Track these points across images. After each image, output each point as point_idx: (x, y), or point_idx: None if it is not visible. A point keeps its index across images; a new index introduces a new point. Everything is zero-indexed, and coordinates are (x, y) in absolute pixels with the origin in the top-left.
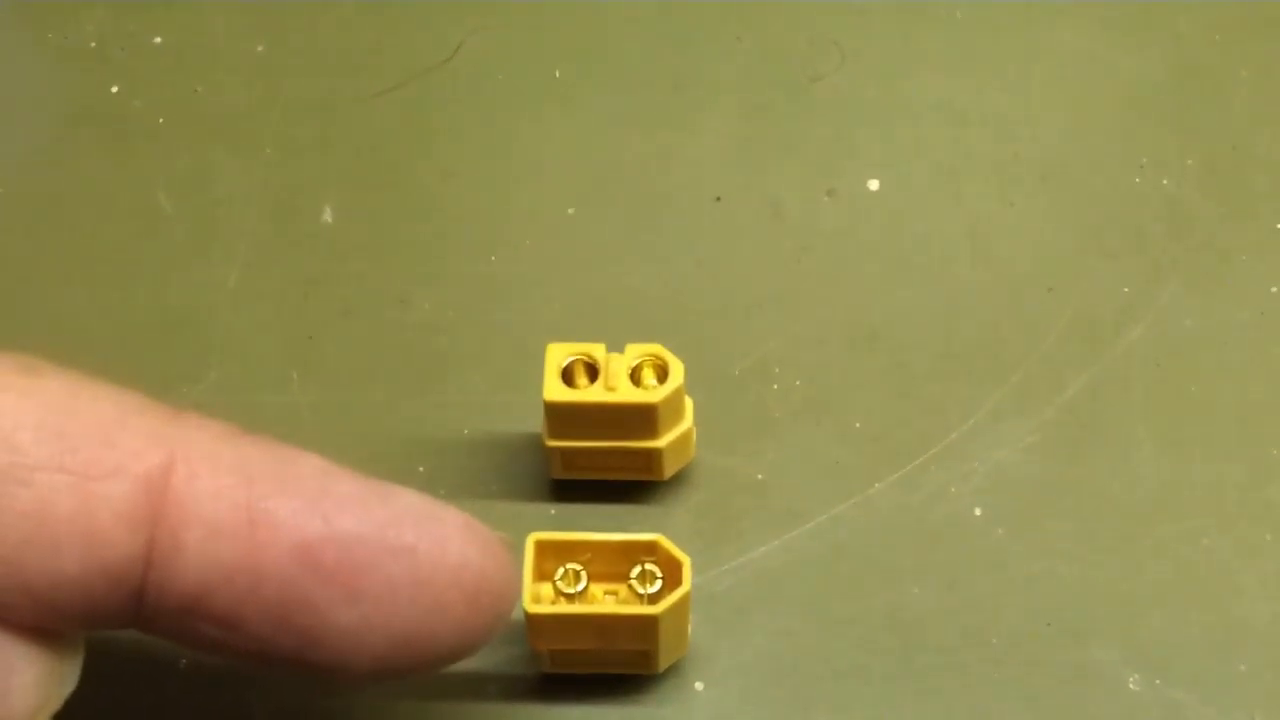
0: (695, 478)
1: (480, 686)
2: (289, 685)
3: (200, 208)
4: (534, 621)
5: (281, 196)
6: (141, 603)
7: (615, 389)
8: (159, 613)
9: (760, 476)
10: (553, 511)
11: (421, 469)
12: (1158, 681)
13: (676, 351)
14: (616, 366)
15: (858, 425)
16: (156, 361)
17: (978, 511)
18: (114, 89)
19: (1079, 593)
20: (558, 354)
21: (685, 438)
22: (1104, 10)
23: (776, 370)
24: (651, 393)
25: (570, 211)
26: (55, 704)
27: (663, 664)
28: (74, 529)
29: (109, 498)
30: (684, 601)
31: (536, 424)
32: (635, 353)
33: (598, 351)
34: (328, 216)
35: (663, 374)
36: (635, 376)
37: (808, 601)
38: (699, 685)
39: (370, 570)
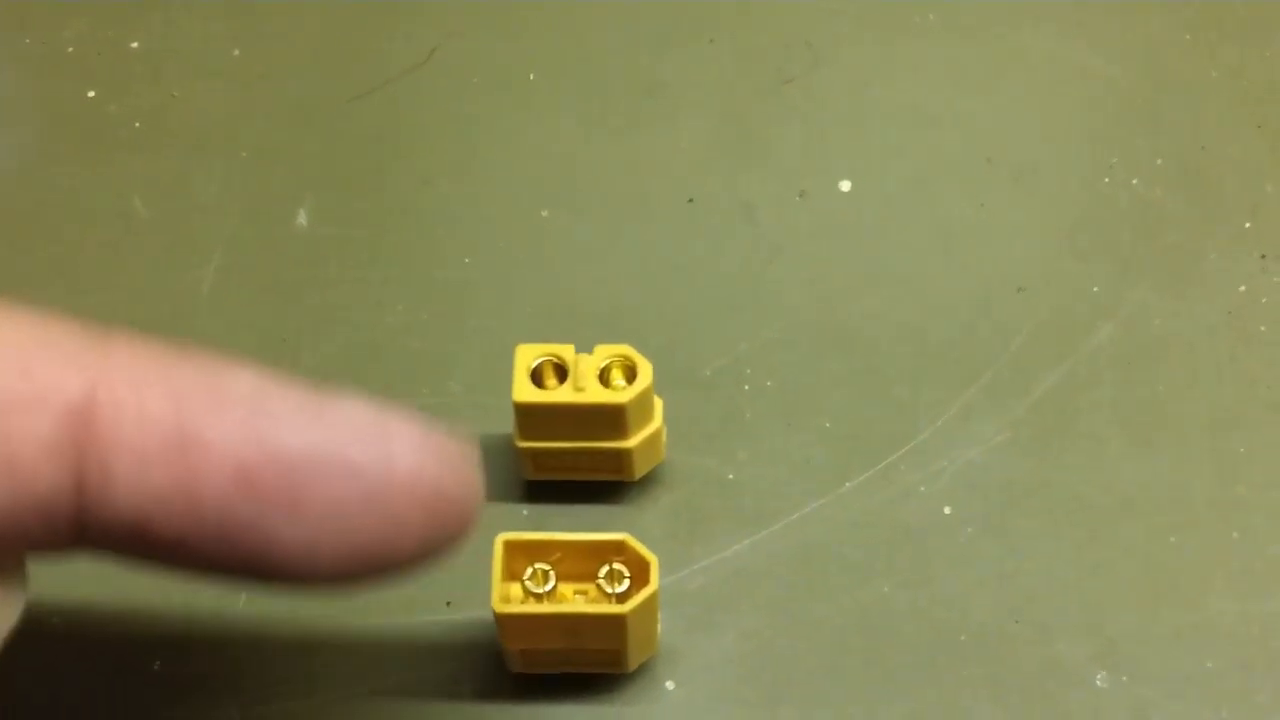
0: (666, 478)
1: (452, 687)
2: (266, 691)
3: (176, 212)
4: (503, 621)
5: (257, 201)
6: (81, 531)
7: (584, 389)
8: (101, 539)
9: (731, 476)
10: (525, 512)
11: None
12: (1125, 678)
13: (648, 353)
14: (585, 367)
15: (828, 425)
16: None
17: (947, 510)
18: (90, 94)
19: (1047, 590)
20: (527, 355)
21: (655, 438)
22: (1074, 13)
23: (748, 371)
24: (620, 393)
25: (544, 214)
26: None
27: (633, 663)
28: None
29: (30, 431)
30: (652, 600)
31: (509, 426)
32: (604, 354)
33: (566, 352)
34: (303, 220)
35: (631, 374)
36: (604, 377)
37: (778, 600)
38: (669, 684)
39: (313, 489)
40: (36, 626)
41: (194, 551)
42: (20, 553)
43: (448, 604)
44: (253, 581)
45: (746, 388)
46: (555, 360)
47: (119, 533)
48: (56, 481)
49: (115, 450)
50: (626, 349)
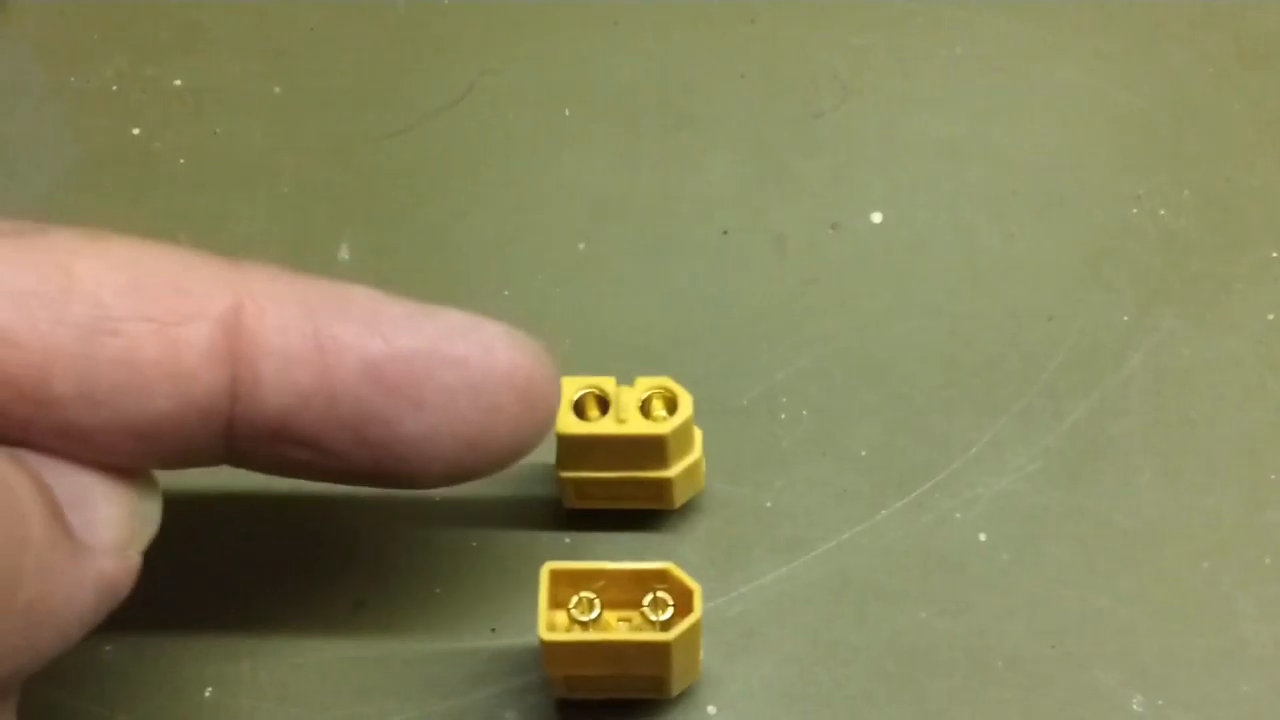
0: (705, 506)
1: (496, 712)
2: (312, 716)
3: (220, 247)
4: (549, 649)
5: (298, 235)
6: (231, 435)
7: (626, 421)
8: (248, 442)
9: (769, 504)
10: (567, 540)
11: (437, 498)
12: (1160, 703)
13: (685, 383)
14: (627, 399)
15: (863, 454)
16: None
17: (982, 537)
18: (135, 131)
19: (1082, 616)
20: (569, 387)
21: (695, 467)
22: (1099, 45)
23: (783, 400)
24: (661, 424)
25: (581, 247)
26: (140, 542)
27: (676, 689)
28: (162, 371)
29: (190, 339)
30: (695, 628)
31: (550, 455)
32: (645, 385)
33: (608, 384)
34: (344, 254)
35: (672, 406)
36: (645, 409)
37: (816, 627)
38: (711, 709)
39: (429, 380)
40: (96, 655)
41: (327, 449)
42: (178, 461)
43: (492, 630)
44: (373, 479)
45: (783, 416)
46: (597, 392)
47: (265, 432)
48: (215, 385)
49: (262, 354)
50: (667, 381)
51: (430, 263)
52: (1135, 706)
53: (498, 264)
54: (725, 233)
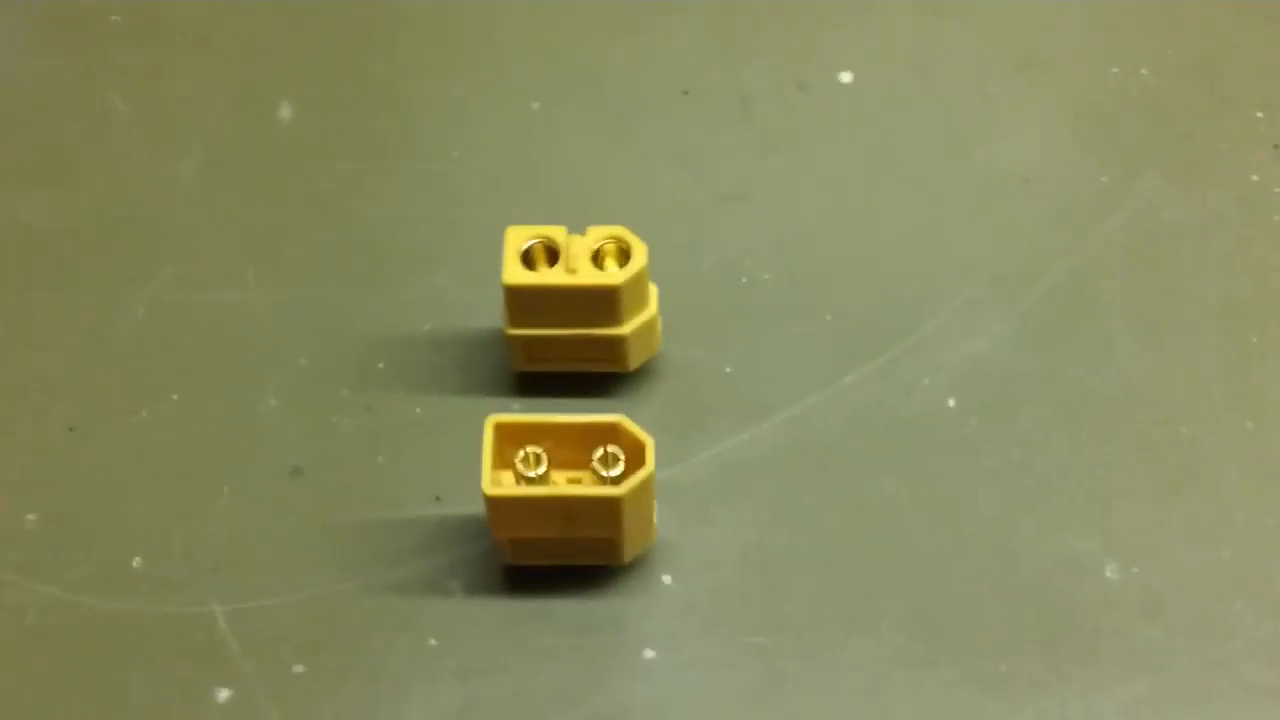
0: (661, 370)
1: (442, 582)
2: (250, 588)
3: (155, 107)
4: (494, 506)
5: (238, 94)
6: None
7: (576, 271)
8: None
9: (729, 369)
10: (515, 406)
11: (381, 365)
12: (1135, 570)
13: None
14: (578, 249)
15: (829, 318)
16: (111, 259)
17: (951, 403)
18: None
19: (1055, 483)
20: (517, 237)
21: (650, 326)
22: None
23: (746, 264)
24: (614, 275)
25: (534, 106)
26: None
27: (628, 554)
28: None
29: None
30: (648, 483)
31: (498, 320)
32: (597, 235)
33: (558, 234)
34: (285, 113)
35: (625, 258)
36: (597, 260)
37: (777, 495)
38: (666, 578)
39: None
40: (16, 519)
41: None
42: None
43: (437, 499)
44: None
45: (744, 280)
46: (546, 242)
47: None
48: None
49: None
50: (620, 230)
51: (375, 122)
52: (1109, 574)
53: (446, 123)
54: (686, 93)
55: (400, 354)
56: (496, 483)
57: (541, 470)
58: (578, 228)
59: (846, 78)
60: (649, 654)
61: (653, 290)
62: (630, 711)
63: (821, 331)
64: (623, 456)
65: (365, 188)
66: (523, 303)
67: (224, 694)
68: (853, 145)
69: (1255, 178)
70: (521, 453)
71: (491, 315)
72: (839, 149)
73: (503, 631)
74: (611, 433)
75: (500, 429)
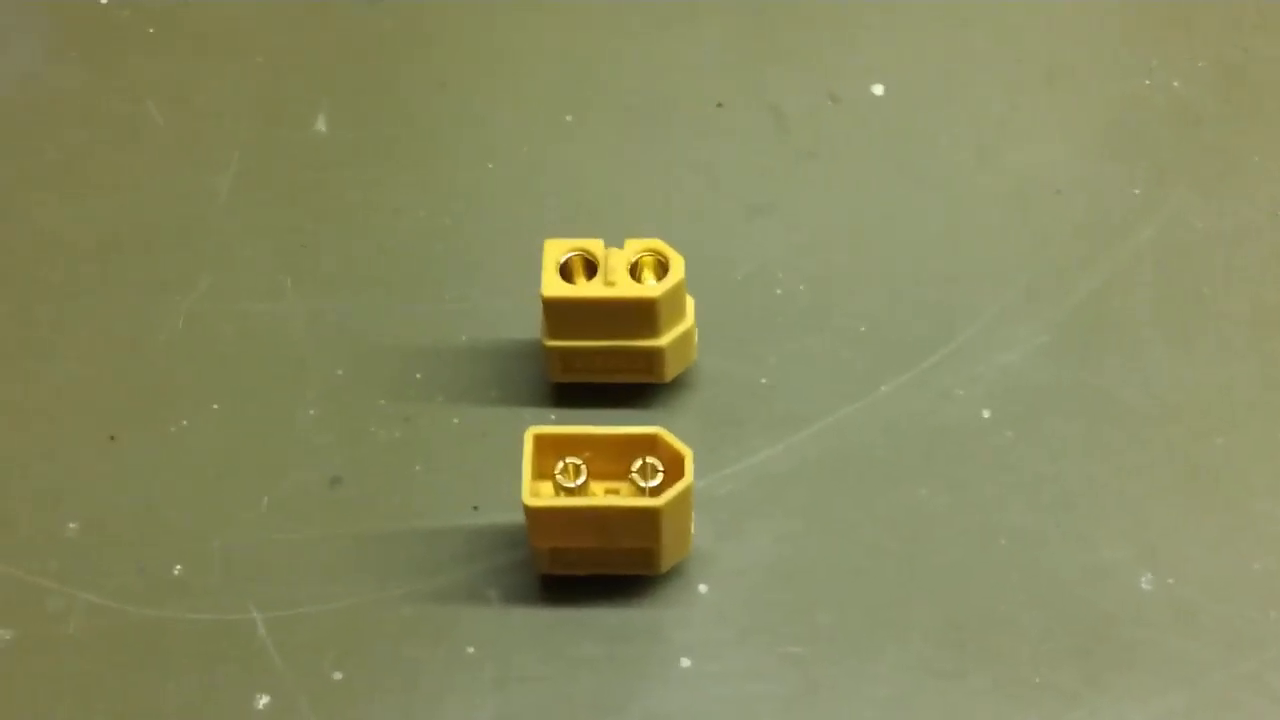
0: (697, 381)
1: (479, 591)
2: (290, 596)
3: (191, 118)
4: (534, 516)
5: (274, 106)
6: None
7: (615, 284)
8: None
9: (763, 380)
10: (552, 416)
11: (419, 375)
12: (1170, 581)
13: None
14: (616, 261)
15: (862, 329)
16: (149, 270)
17: (986, 414)
18: (103, 0)
19: (1088, 493)
20: (555, 250)
21: (687, 337)
22: None
23: (779, 275)
24: (652, 287)
25: (568, 119)
26: None
27: (665, 564)
28: None
29: None
30: (686, 494)
31: (534, 330)
32: (635, 248)
33: (596, 247)
34: (321, 125)
35: (663, 270)
36: (635, 273)
37: (812, 504)
38: (702, 588)
39: None
40: (58, 527)
41: None
42: None
43: (474, 508)
44: None
45: (778, 291)
46: (585, 255)
47: None
48: None
49: None
50: (657, 243)
51: (410, 134)
52: (1144, 584)
53: (481, 134)
54: (719, 105)
55: (437, 365)
56: (535, 493)
57: (581, 481)
58: (612, 239)
59: (878, 89)
60: (685, 662)
61: (690, 302)
62: (667, 719)
63: (855, 342)
64: (661, 468)
65: (399, 199)
66: (561, 315)
67: (264, 700)
68: (885, 156)
69: None
70: (561, 464)
71: (526, 326)
72: (871, 160)
73: (540, 640)
74: (650, 444)
75: (540, 440)
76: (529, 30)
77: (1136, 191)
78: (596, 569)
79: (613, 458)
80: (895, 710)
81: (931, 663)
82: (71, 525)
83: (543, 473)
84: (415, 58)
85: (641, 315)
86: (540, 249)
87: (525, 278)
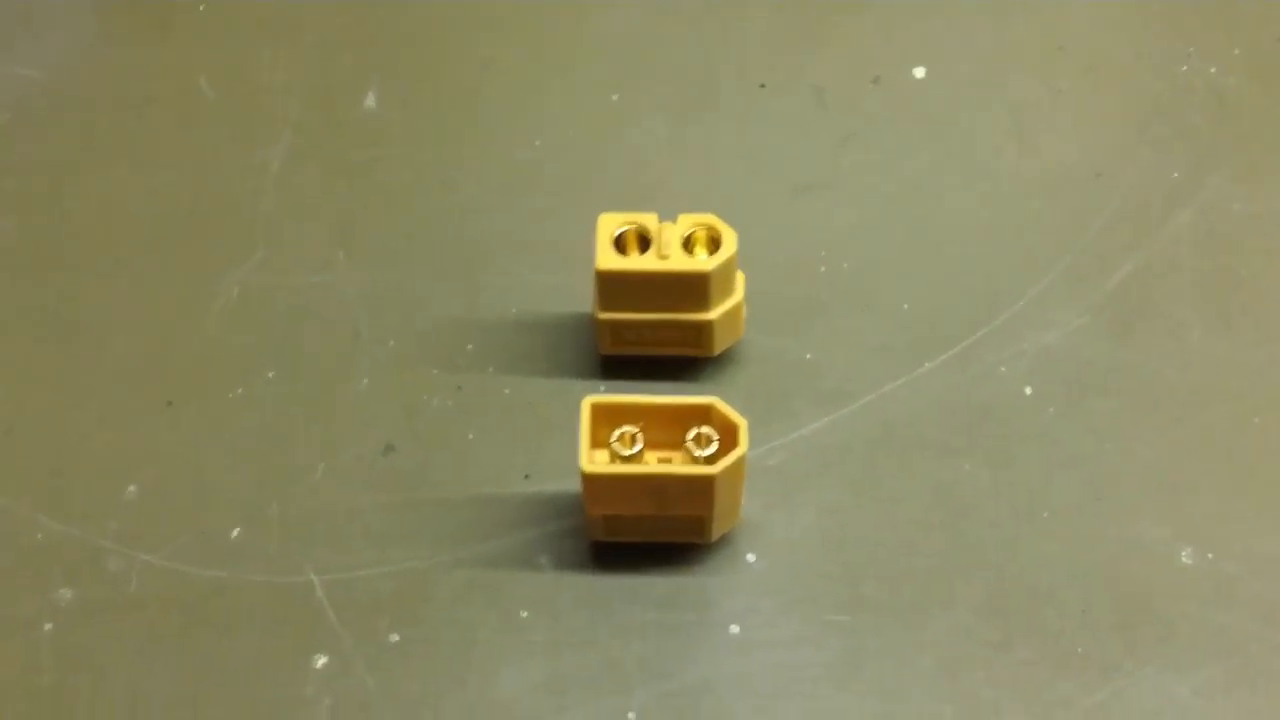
0: (744, 357)
1: (531, 557)
2: (346, 560)
3: (243, 95)
4: (590, 483)
5: (324, 83)
6: None
7: (668, 257)
8: None
9: (809, 356)
10: (602, 388)
11: (470, 347)
12: (1210, 556)
13: None
14: (669, 235)
15: (906, 307)
16: (203, 244)
17: (1028, 390)
18: None
19: (1129, 470)
20: (610, 224)
21: (736, 312)
22: None
23: (823, 254)
24: (705, 261)
25: (614, 98)
26: None
27: (715, 532)
28: None
29: None
30: (740, 463)
31: (583, 304)
32: (688, 222)
33: (650, 221)
34: (371, 102)
35: (715, 245)
36: (688, 248)
37: (858, 478)
38: (750, 557)
39: None
40: (118, 491)
41: None
42: None
43: (526, 477)
44: None
45: (822, 269)
46: (638, 229)
47: None
48: None
49: None
50: (710, 218)
51: (459, 112)
52: (1184, 559)
53: (528, 112)
54: (763, 86)
55: (488, 337)
56: (591, 461)
57: (637, 449)
58: (661, 211)
59: (920, 72)
60: (734, 629)
61: (740, 277)
62: (715, 685)
63: (899, 320)
64: (716, 437)
65: (448, 175)
66: (614, 287)
67: (321, 660)
68: (926, 138)
69: None
70: (618, 432)
71: (574, 300)
72: (913, 142)
73: (591, 605)
74: (705, 414)
75: (596, 409)
76: (576, 10)
77: (1175, 175)
78: (648, 536)
79: (667, 427)
80: (940, 678)
81: (975, 632)
82: (131, 488)
83: (598, 441)
84: (464, 36)
85: (694, 289)
86: (587, 226)
87: (572, 253)
